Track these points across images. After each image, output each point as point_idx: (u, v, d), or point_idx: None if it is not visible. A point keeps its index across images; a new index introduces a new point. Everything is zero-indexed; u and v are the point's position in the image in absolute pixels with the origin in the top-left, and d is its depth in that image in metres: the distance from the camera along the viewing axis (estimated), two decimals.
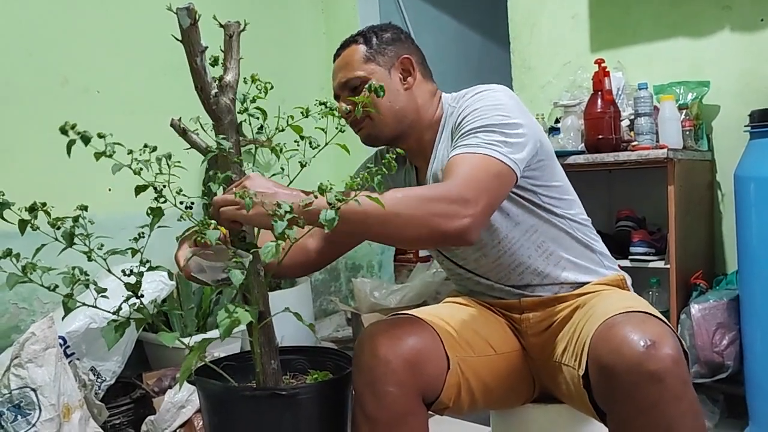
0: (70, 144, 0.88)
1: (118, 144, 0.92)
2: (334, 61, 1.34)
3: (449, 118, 1.29)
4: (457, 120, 1.22)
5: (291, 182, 1.07)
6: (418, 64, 1.32)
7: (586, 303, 1.19)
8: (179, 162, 0.97)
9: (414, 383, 1.07)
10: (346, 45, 1.33)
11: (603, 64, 2.19)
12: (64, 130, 0.87)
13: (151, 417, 1.89)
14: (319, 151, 1.06)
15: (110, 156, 0.91)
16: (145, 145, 0.95)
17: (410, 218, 1.02)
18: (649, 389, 0.91)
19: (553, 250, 1.26)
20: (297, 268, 1.39)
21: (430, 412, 1.14)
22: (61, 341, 1.88)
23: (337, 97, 1.33)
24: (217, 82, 1.11)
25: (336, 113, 1.06)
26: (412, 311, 1.21)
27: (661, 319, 1.04)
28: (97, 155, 0.91)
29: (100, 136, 0.89)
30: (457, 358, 1.16)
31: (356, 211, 0.98)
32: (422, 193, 1.06)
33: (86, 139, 0.87)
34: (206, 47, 1.09)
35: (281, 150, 1.06)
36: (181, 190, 0.98)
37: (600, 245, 1.34)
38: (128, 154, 0.93)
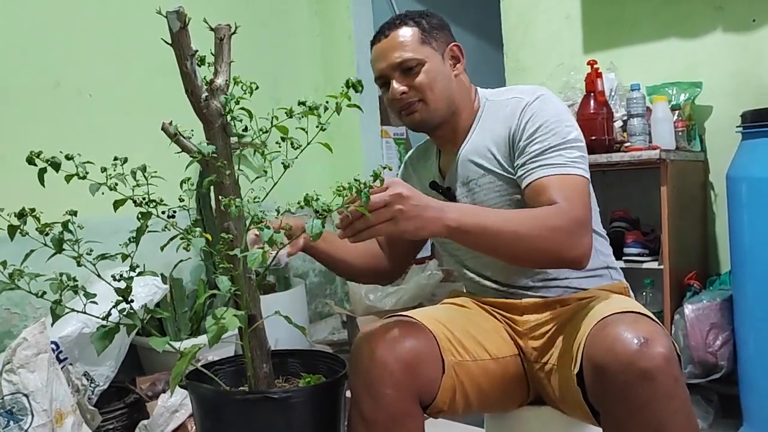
0: (42, 173, 0.88)
1: (89, 162, 0.92)
2: (377, 41, 1.30)
3: (486, 112, 1.32)
4: (524, 126, 1.22)
5: (276, 183, 1.06)
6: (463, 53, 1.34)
7: (585, 307, 1.19)
8: (156, 171, 0.97)
9: (411, 385, 1.07)
10: (394, 26, 1.29)
11: (595, 66, 2.19)
12: (31, 160, 0.87)
13: (145, 421, 1.89)
14: (301, 151, 1.05)
15: (83, 178, 0.91)
16: (116, 158, 0.95)
17: (538, 243, 1.08)
18: (641, 387, 0.92)
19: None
20: (370, 275, 1.40)
21: (425, 415, 1.13)
22: (53, 346, 1.87)
23: (380, 80, 1.30)
24: (207, 85, 1.11)
25: (316, 113, 1.05)
26: (409, 313, 1.21)
27: (654, 320, 1.04)
28: (68, 178, 0.91)
29: (68, 158, 0.89)
30: (453, 361, 1.16)
31: (489, 229, 1.06)
32: (545, 219, 1.10)
33: (56, 166, 0.88)
34: (196, 51, 1.09)
35: (263, 153, 1.06)
36: (162, 200, 0.98)
37: (611, 259, 1.35)
38: (102, 172, 0.93)
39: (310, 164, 3.00)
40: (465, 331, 1.22)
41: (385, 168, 0.97)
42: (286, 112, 1.05)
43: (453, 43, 1.32)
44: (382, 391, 1.05)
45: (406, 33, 1.27)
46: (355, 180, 0.94)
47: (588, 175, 1.19)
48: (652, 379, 0.91)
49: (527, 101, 1.24)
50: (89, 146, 1.17)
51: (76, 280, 0.97)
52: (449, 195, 1.34)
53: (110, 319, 1.03)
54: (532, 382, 1.27)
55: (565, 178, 1.15)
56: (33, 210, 0.92)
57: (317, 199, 0.94)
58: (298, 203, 0.98)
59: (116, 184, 0.96)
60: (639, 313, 1.05)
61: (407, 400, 1.07)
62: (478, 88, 1.38)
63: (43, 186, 0.90)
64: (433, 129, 1.34)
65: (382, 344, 1.07)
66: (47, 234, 0.93)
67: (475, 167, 1.29)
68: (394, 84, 1.27)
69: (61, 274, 0.96)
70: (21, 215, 0.91)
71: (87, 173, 0.93)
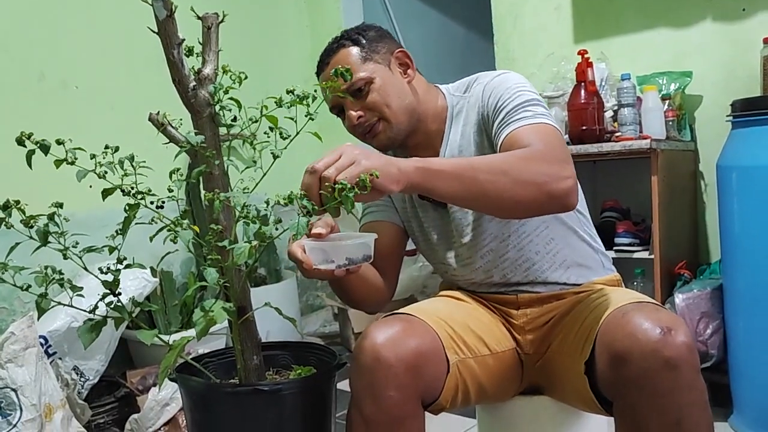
0: (30, 155, 0.86)
1: (80, 149, 0.90)
2: (321, 72, 1.28)
3: (456, 107, 1.28)
4: (487, 102, 1.20)
5: (265, 174, 1.05)
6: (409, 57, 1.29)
7: (586, 298, 1.19)
8: (144, 162, 0.96)
9: (414, 387, 1.05)
10: (332, 51, 1.25)
11: (586, 55, 2.19)
12: (21, 141, 0.85)
13: (135, 415, 1.88)
14: (291, 141, 1.04)
15: (71, 163, 0.89)
16: (107, 147, 0.93)
17: (518, 176, 1.01)
18: (663, 376, 0.91)
19: (560, 248, 1.25)
20: (374, 305, 1.34)
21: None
22: (42, 340, 1.86)
23: (334, 109, 1.27)
24: (195, 74, 1.09)
25: (304, 103, 1.03)
26: (410, 309, 1.17)
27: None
28: (57, 163, 0.90)
29: (59, 142, 0.87)
30: (456, 359, 1.14)
31: (467, 167, 1.00)
32: (520, 154, 1.04)
33: (45, 148, 0.86)
34: (183, 39, 1.07)
35: (252, 143, 1.04)
36: (150, 190, 0.97)
37: (600, 244, 1.33)
38: (91, 158, 0.91)
39: (301, 155, 2.98)
40: (465, 326, 1.20)
41: (371, 175, 0.91)
42: (275, 101, 1.03)
43: (398, 50, 1.27)
44: (384, 393, 1.02)
45: (345, 56, 1.23)
46: (340, 183, 0.90)
47: (558, 127, 1.14)
48: (676, 368, 0.91)
49: (487, 81, 1.23)
50: (76, 139, 1.16)
51: (62, 273, 0.96)
52: (441, 203, 1.29)
53: (98, 312, 1.01)
54: (527, 373, 1.26)
55: (535, 126, 1.11)
56: (18, 202, 0.90)
57: (302, 198, 0.92)
58: (284, 201, 0.95)
59: (105, 173, 0.94)
60: (655, 303, 1.04)
61: (410, 402, 1.05)
62: (440, 86, 1.33)
63: (30, 168, 0.88)
64: (403, 144, 1.29)
65: (387, 345, 1.04)
66: (32, 226, 0.92)
67: None
68: (349, 111, 1.24)
69: (46, 267, 0.94)
70: (5, 207, 0.90)
71: (76, 159, 0.91)
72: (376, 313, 1.40)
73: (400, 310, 1.17)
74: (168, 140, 1.10)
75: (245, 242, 0.93)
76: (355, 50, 1.24)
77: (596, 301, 1.12)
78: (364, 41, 1.25)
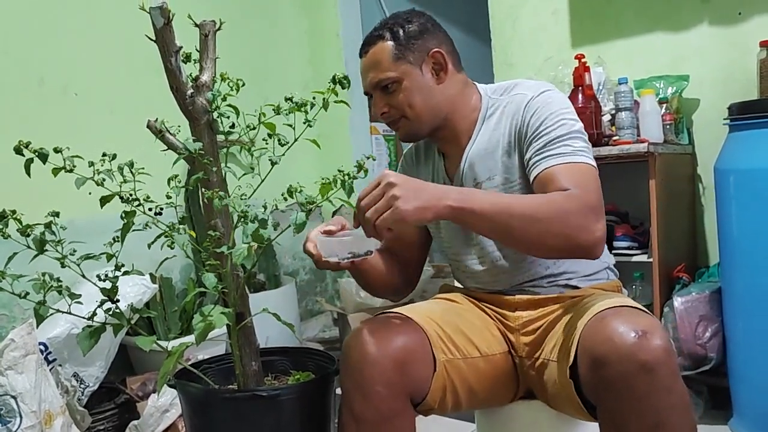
0: (28, 163, 0.87)
1: (78, 157, 0.91)
2: (361, 57, 1.29)
3: (491, 109, 1.29)
4: (529, 121, 1.20)
5: (263, 180, 1.06)
6: (449, 55, 1.28)
7: (578, 303, 1.19)
8: (143, 168, 0.96)
9: (402, 384, 1.07)
10: (372, 42, 1.27)
11: (583, 60, 2.19)
12: (19, 150, 0.86)
13: (135, 422, 1.88)
14: (289, 147, 1.05)
15: (70, 171, 0.90)
16: (104, 154, 0.94)
17: (550, 226, 1.05)
18: (640, 379, 0.92)
19: (571, 263, 1.26)
20: (395, 294, 1.40)
21: (416, 413, 1.13)
22: (42, 347, 1.85)
23: (366, 95, 1.31)
24: (192, 82, 1.10)
25: (303, 109, 1.05)
26: (400, 309, 1.20)
27: (651, 315, 1.04)
28: (55, 171, 0.90)
29: (57, 150, 0.88)
30: (444, 359, 1.15)
31: (502, 211, 1.03)
32: (555, 202, 1.07)
33: (43, 157, 0.87)
34: (181, 47, 1.08)
35: (249, 149, 1.05)
36: (148, 197, 0.97)
37: (609, 257, 1.34)
38: (89, 166, 0.92)
39: (299, 161, 2.99)
40: (456, 327, 1.21)
41: (369, 158, 0.97)
42: (273, 109, 1.04)
43: (434, 50, 1.26)
44: (373, 390, 1.04)
45: (381, 51, 1.24)
46: (339, 171, 0.94)
47: (595, 165, 1.16)
48: (652, 371, 0.91)
49: (531, 96, 1.22)
50: (75, 145, 1.16)
51: (60, 281, 0.96)
52: None
53: (96, 318, 1.02)
54: (523, 378, 1.26)
55: (573, 166, 1.13)
56: (14, 212, 0.90)
57: (301, 191, 0.94)
58: (283, 196, 0.98)
59: (103, 180, 0.95)
60: (635, 307, 1.05)
61: (398, 399, 1.07)
62: (479, 85, 1.34)
63: (29, 176, 0.89)
64: (430, 135, 1.32)
65: (374, 342, 1.07)
66: (29, 235, 0.92)
67: (483, 168, 1.27)
68: (375, 104, 1.28)
69: (43, 274, 0.95)
70: (2, 217, 0.90)
71: (74, 166, 0.92)
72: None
73: (390, 310, 1.19)
74: (166, 147, 1.11)
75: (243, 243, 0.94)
76: (390, 46, 1.24)
77: (584, 306, 1.13)
78: (402, 36, 1.25)
